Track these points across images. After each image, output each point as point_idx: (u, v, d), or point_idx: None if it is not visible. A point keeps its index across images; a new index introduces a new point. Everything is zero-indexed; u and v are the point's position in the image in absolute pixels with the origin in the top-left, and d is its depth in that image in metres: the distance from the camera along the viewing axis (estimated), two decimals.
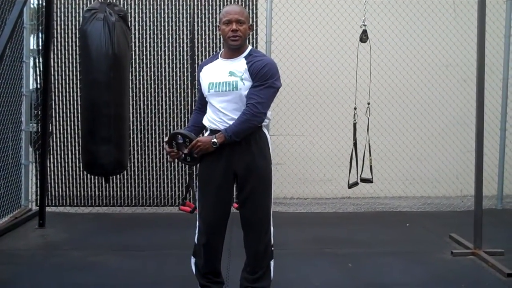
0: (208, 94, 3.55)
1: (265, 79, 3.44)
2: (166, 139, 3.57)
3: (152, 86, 6.30)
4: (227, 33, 3.47)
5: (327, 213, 6.53)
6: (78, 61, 6.11)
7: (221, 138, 3.39)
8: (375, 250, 4.96)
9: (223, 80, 3.48)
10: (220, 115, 3.49)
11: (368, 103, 5.15)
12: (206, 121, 3.60)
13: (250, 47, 3.61)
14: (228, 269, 4.30)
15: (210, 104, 3.57)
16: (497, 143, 6.58)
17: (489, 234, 4.97)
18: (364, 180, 5.26)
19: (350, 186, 5.28)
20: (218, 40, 6.30)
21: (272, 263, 3.63)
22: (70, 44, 6.23)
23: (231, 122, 3.43)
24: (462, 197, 7.05)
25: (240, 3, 6.27)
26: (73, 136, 6.27)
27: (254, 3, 6.33)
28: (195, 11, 6.29)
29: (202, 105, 3.72)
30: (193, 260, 3.75)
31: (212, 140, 3.39)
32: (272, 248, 3.63)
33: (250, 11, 6.29)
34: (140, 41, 6.28)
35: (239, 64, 3.49)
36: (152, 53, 6.30)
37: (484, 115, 4.76)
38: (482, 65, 4.79)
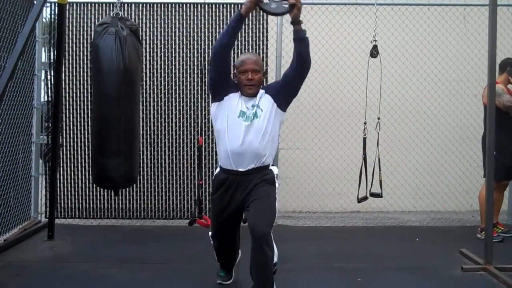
0: (238, 120, 3.73)
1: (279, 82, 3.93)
2: None
3: (163, 100, 6.32)
4: (244, 81, 3.77)
5: (336, 227, 6.51)
6: (89, 74, 6.15)
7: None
8: (385, 265, 4.92)
9: (248, 111, 3.75)
10: (240, 145, 3.70)
11: (378, 118, 5.15)
12: (221, 159, 3.84)
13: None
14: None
15: (229, 133, 3.74)
16: None
17: (500, 249, 4.94)
18: (373, 195, 5.25)
19: (360, 200, 5.27)
20: None
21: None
22: (81, 58, 6.28)
23: (251, 163, 3.72)
24: (472, 212, 7.00)
25: (250, 18, 6.29)
26: (83, 148, 6.29)
27: (265, 18, 6.35)
28: (206, 26, 6.32)
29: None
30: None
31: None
32: (275, 266, 3.64)
33: (261, 26, 6.32)
34: (151, 55, 6.32)
35: (260, 100, 3.80)
36: (162, 67, 6.33)
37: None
38: (493, 80, 4.78)
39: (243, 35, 6.31)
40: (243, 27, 6.22)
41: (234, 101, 3.77)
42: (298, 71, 3.77)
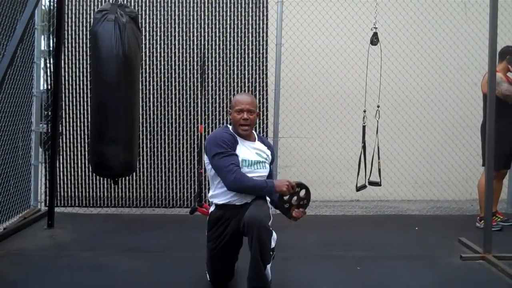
0: (244, 169, 3.76)
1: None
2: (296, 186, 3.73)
3: (162, 88, 6.31)
4: (239, 121, 3.84)
5: (336, 216, 6.52)
6: (88, 62, 6.13)
7: None
8: (384, 253, 4.93)
9: (255, 159, 3.84)
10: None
11: (378, 106, 5.14)
12: (219, 197, 3.84)
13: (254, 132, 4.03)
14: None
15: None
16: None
17: (498, 238, 4.94)
18: (372, 183, 5.25)
19: (359, 189, 5.27)
20: (228, 42, 6.30)
21: (268, 267, 3.60)
22: (80, 45, 6.26)
23: (249, 198, 3.78)
24: (471, 201, 7.01)
25: (250, 5, 6.27)
26: (82, 137, 6.28)
27: (265, 5, 6.33)
28: (206, 13, 6.30)
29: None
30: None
31: None
32: (273, 253, 3.63)
33: (261, 14, 6.29)
34: (151, 42, 6.30)
35: (261, 147, 3.96)
36: (162, 55, 6.31)
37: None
38: (493, 68, 4.76)
39: (243, 22, 6.29)
40: (242, 14, 6.25)
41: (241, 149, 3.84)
42: None
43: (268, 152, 3.97)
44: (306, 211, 3.79)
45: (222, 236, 3.82)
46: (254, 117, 3.90)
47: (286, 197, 3.70)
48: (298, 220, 3.77)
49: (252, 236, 3.45)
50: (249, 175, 3.74)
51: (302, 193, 3.73)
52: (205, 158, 3.88)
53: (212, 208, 3.96)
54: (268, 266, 3.56)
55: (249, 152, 3.84)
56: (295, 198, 3.72)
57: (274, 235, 3.61)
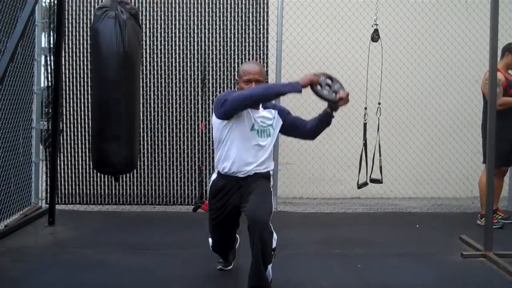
0: (250, 133, 3.74)
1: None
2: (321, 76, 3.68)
3: (163, 85, 6.30)
4: None
5: (337, 214, 6.51)
6: (89, 59, 6.12)
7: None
8: (385, 251, 4.93)
9: (258, 128, 3.78)
10: (249, 158, 3.74)
11: (379, 103, 5.14)
12: (224, 164, 3.79)
13: None
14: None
15: (238, 145, 3.73)
16: None
17: (499, 236, 4.95)
18: (373, 181, 5.26)
19: (360, 186, 5.27)
20: (228, 39, 6.29)
21: (269, 267, 3.61)
22: (81, 42, 6.25)
23: (258, 167, 3.77)
24: (472, 198, 7.01)
25: (251, 2, 6.26)
26: (83, 134, 6.28)
27: (265, 1, 6.31)
28: (207, 10, 6.29)
29: None
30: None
31: None
32: (274, 253, 3.63)
33: (261, 10, 6.28)
34: (151, 39, 6.29)
35: (266, 114, 3.85)
36: (163, 52, 6.30)
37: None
38: (494, 65, 4.75)
39: (243, 19, 6.28)
40: (243, 10, 6.24)
41: (243, 114, 3.75)
42: (302, 135, 4.05)
43: (271, 115, 3.86)
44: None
45: (223, 208, 3.84)
46: None
47: (321, 88, 3.63)
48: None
49: (254, 236, 3.44)
50: (252, 142, 3.74)
51: (328, 80, 3.68)
52: (213, 121, 3.82)
53: (214, 176, 3.93)
54: (269, 266, 3.58)
55: (253, 121, 3.77)
56: (328, 84, 3.67)
57: (275, 235, 3.62)
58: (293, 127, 3.94)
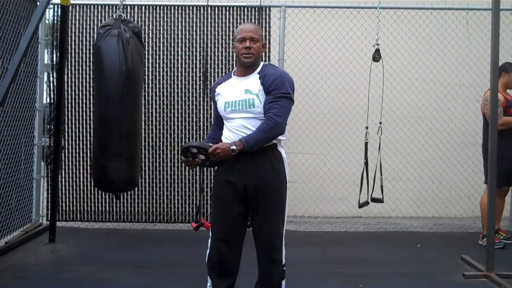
0: (224, 113, 3.55)
1: (277, 91, 3.45)
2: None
3: (165, 103, 6.32)
4: (241, 50, 3.52)
5: (338, 233, 6.50)
6: (91, 76, 6.15)
7: (240, 146, 3.36)
8: (386, 270, 4.91)
9: (239, 98, 3.50)
10: (237, 133, 3.47)
11: (380, 123, 5.14)
12: (224, 140, 3.57)
13: (263, 63, 3.63)
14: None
15: (227, 123, 3.57)
16: None
17: (501, 256, 4.92)
18: (375, 200, 5.23)
19: (361, 205, 5.25)
20: (231, 57, 6.32)
21: (283, 283, 3.59)
22: (84, 59, 6.28)
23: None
24: (474, 218, 6.98)
25: (253, 21, 6.29)
26: (85, 151, 6.29)
27: (267, 21, 6.35)
28: (209, 29, 6.32)
29: (219, 121, 3.69)
30: (209, 282, 3.64)
31: (231, 148, 3.36)
32: (284, 268, 3.60)
33: (263, 29, 6.31)
34: (154, 57, 6.32)
35: (253, 81, 3.52)
36: (165, 70, 6.33)
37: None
38: (495, 85, 4.77)
39: None
40: None
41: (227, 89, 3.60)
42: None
43: (258, 84, 3.49)
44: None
45: (224, 188, 3.55)
46: (258, 46, 3.54)
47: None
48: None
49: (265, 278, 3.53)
50: (234, 116, 3.49)
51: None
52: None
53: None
54: (283, 282, 3.59)
55: (235, 91, 3.54)
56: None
57: (283, 251, 3.59)
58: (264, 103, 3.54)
